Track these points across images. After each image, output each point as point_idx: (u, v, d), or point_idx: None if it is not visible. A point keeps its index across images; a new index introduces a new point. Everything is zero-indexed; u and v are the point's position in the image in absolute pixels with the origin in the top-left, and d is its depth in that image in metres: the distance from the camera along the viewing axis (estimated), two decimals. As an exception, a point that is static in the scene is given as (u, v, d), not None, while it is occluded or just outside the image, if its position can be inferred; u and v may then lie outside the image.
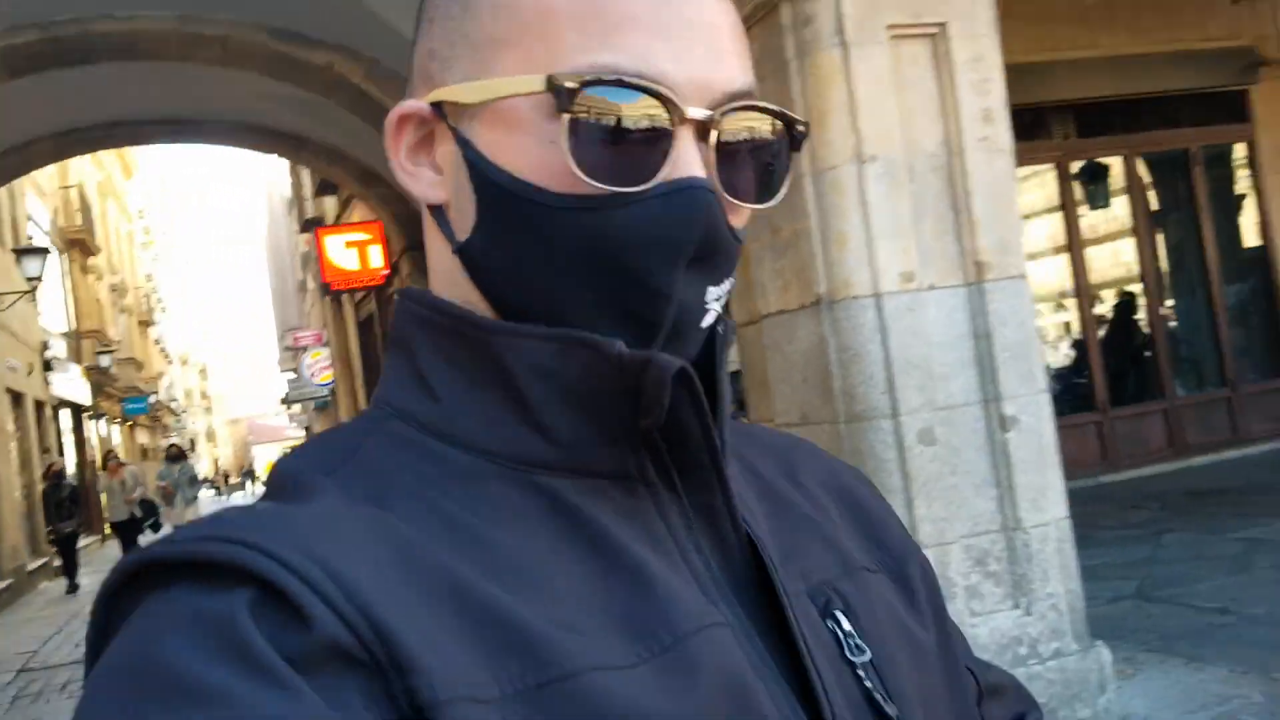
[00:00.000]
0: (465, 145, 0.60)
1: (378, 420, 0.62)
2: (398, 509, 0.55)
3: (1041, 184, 10.03)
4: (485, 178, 0.59)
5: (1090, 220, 10.18)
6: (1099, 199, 10.16)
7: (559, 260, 0.57)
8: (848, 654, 0.61)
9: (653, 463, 0.59)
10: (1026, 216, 8.88)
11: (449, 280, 0.63)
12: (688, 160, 0.57)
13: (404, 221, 11.84)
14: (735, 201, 0.59)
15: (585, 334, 0.57)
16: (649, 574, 0.56)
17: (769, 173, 0.61)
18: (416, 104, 0.62)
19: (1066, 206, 9.95)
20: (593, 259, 0.57)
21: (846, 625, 0.62)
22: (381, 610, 0.48)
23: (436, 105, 0.61)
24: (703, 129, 0.57)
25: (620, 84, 0.55)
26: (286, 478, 0.58)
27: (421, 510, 0.55)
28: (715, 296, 0.60)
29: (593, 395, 0.57)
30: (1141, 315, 10.28)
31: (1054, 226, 9.98)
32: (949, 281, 3.95)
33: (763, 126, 0.60)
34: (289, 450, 0.63)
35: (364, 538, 0.52)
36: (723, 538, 0.60)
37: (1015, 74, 4.22)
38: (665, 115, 0.56)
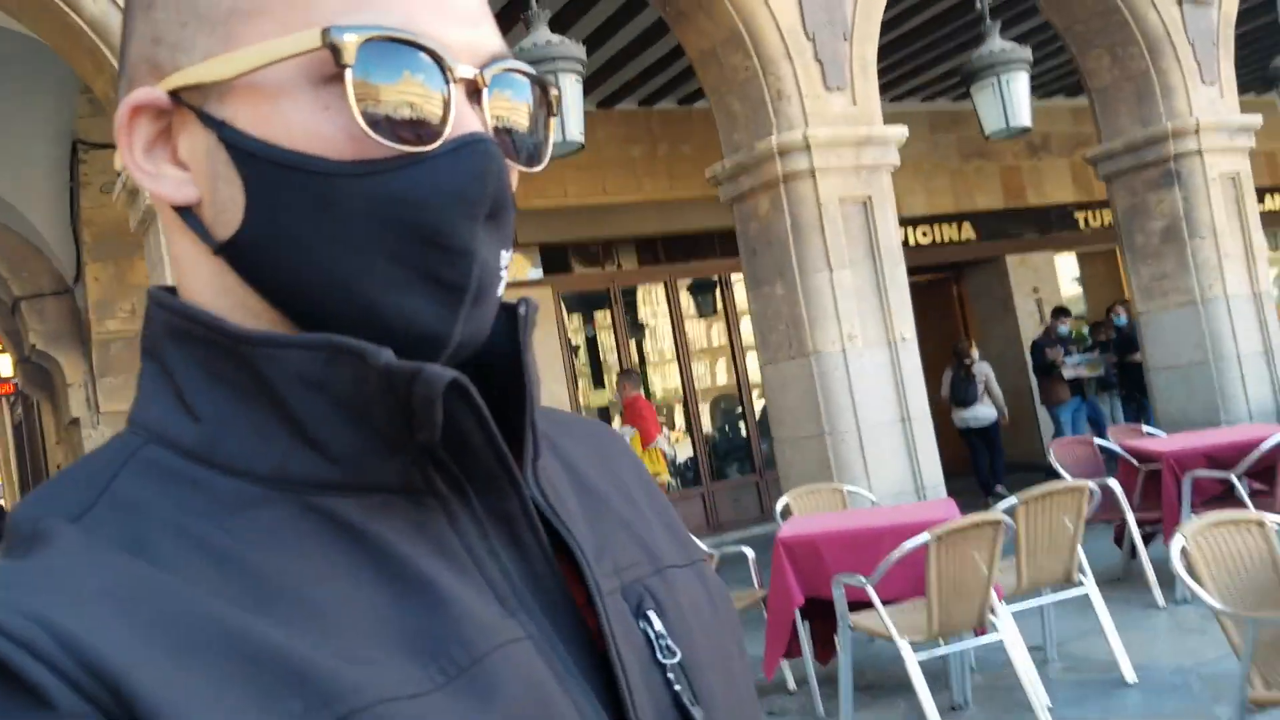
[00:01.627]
0: (221, 127, 0.54)
1: (131, 447, 0.55)
2: (159, 549, 0.50)
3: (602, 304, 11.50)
4: (253, 158, 0.53)
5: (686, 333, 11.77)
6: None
7: (352, 233, 0.53)
8: (659, 656, 0.59)
9: (439, 473, 0.55)
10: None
11: (209, 289, 0.57)
12: (467, 117, 0.54)
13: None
14: (509, 162, 0.58)
15: (350, 341, 0.52)
16: (441, 592, 0.53)
17: (534, 136, 0.60)
18: (150, 92, 0.55)
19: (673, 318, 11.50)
20: (389, 225, 0.53)
21: (659, 625, 0.60)
22: (120, 671, 0.44)
23: (174, 93, 0.55)
24: (473, 88, 0.55)
25: (396, 40, 0.52)
26: (22, 526, 0.52)
27: (185, 548, 0.50)
28: (505, 262, 0.58)
29: (365, 406, 0.53)
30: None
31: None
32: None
33: (524, 89, 0.59)
34: (32, 493, 0.57)
35: (101, 591, 0.47)
36: (522, 544, 0.57)
37: (578, 213, 5.25)
38: (440, 73, 0.53)
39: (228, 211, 0.55)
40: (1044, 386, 11.35)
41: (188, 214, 0.57)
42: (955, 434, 11.21)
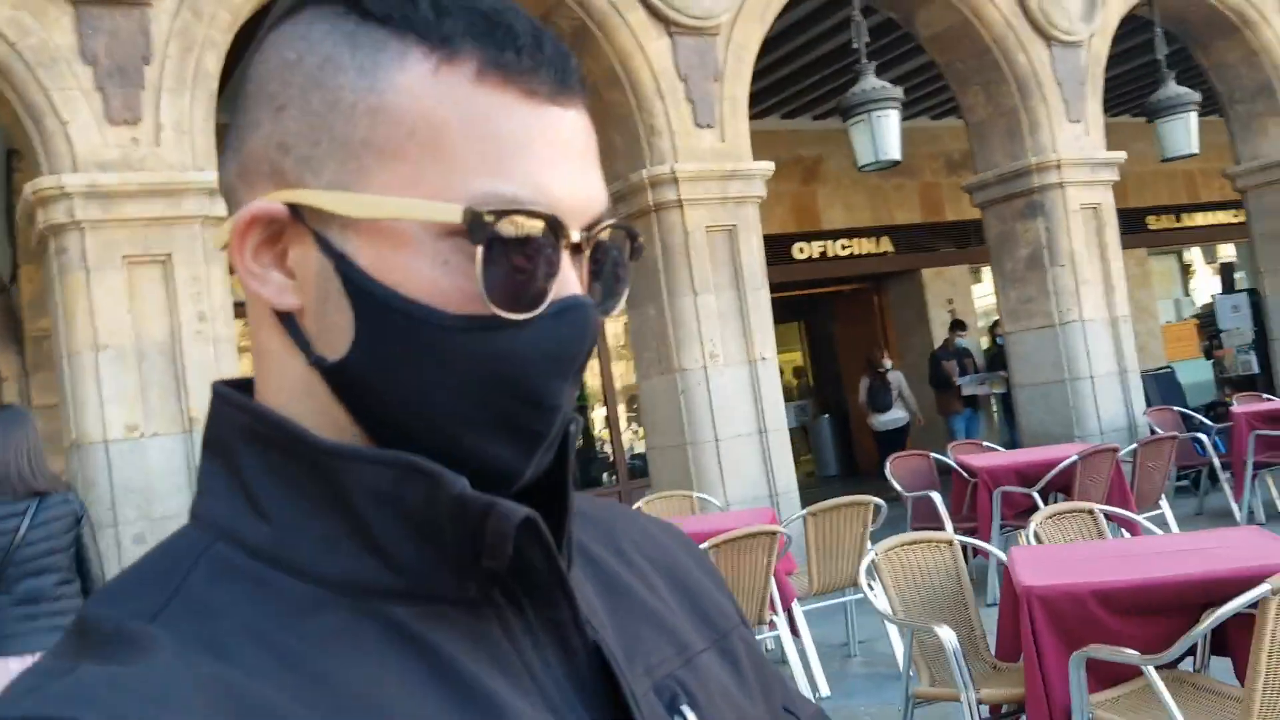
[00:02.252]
0: (341, 259, 0.55)
1: (201, 544, 0.56)
2: (234, 654, 0.51)
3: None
4: (371, 296, 0.55)
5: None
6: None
7: (452, 382, 0.55)
8: None
9: (496, 586, 0.57)
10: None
11: (294, 392, 0.58)
12: (571, 280, 0.56)
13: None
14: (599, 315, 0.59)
15: (426, 463, 0.54)
16: (499, 703, 0.54)
17: (619, 284, 0.61)
18: (270, 205, 0.57)
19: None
20: (490, 379, 0.55)
21: (692, 717, 0.62)
22: None
23: (293, 206, 0.56)
24: (576, 249, 0.57)
25: (525, 213, 0.54)
26: (105, 626, 0.52)
27: (260, 653, 0.51)
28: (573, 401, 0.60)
29: (433, 525, 0.54)
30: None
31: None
32: (170, 430, 5.69)
33: (617, 242, 0.61)
34: (103, 588, 0.57)
35: (196, 700, 0.48)
36: (570, 650, 0.58)
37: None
38: (554, 240, 0.55)
39: (333, 334, 0.56)
40: (939, 397, 11.96)
41: (289, 320, 0.58)
42: (871, 435, 11.87)
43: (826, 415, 15.64)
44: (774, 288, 7.49)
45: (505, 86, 0.55)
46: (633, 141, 7.11)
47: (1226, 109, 10.55)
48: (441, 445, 0.55)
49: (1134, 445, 6.89)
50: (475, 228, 0.53)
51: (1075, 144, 8.69)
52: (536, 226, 0.55)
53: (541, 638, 0.58)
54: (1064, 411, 8.56)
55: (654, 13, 6.99)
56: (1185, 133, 9.53)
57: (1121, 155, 8.93)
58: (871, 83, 7.90)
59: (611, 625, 0.63)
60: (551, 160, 0.56)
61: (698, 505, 6.52)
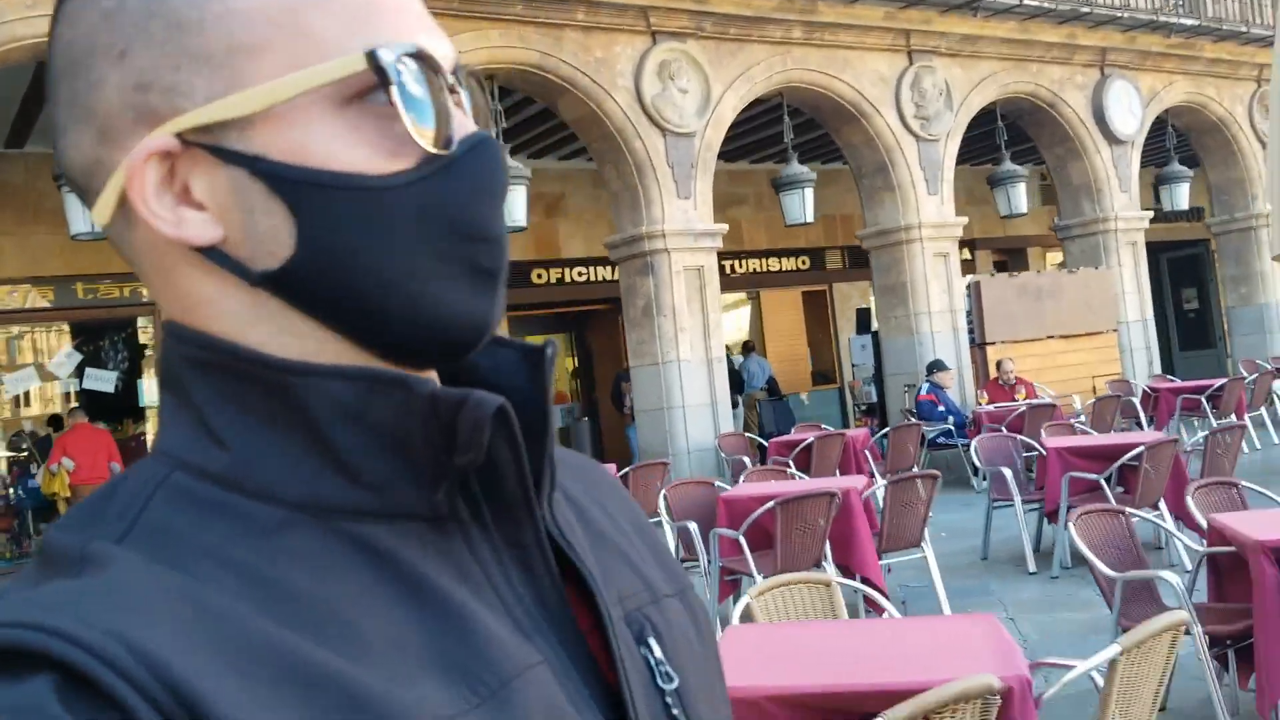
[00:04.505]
0: (254, 162, 0.54)
1: (159, 475, 0.55)
2: (197, 572, 0.50)
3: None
4: (300, 184, 0.54)
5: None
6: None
7: (402, 240, 0.54)
8: (659, 681, 0.62)
9: (464, 501, 0.57)
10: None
11: (239, 322, 0.56)
12: (466, 120, 0.58)
13: None
14: None
15: (395, 371, 0.55)
16: (467, 616, 0.54)
17: (483, 126, 0.62)
18: (157, 141, 0.54)
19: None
20: (436, 227, 0.55)
21: (658, 652, 0.63)
22: (193, 688, 0.45)
23: (180, 136, 0.54)
24: (452, 90, 0.58)
25: (419, 56, 0.55)
26: (66, 548, 0.51)
27: (224, 571, 0.51)
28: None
29: (404, 436, 0.54)
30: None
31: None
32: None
33: (473, 89, 0.61)
34: (58, 518, 0.55)
35: (167, 608, 0.48)
36: (534, 572, 0.59)
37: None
38: (441, 81, 0.56)
39: (270, 241, 0.55)
40: (620, 412, 13.95)
41: (214, 252, 0.55)
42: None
43: (586, 418, 17.51)
44: (511, 307, 9.24)
45: None
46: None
47: (857, 181, 12.61)
48: (415, 314, 0.55)
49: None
50: (382, 70, 0.54)
51: (682, 217, 10.59)
52: (424, 66, 0.55)
53: (506, 556, 0.58)
54: (663, 433, 10.49)
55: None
56: (802, 205, 11.58)
57: (723, 228, 10.87)
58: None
59: (591, 556, 0.63)
60: (402, 14, 0.57)
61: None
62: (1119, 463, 6.51)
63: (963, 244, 18.53)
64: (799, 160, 11.75)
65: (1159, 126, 14.99)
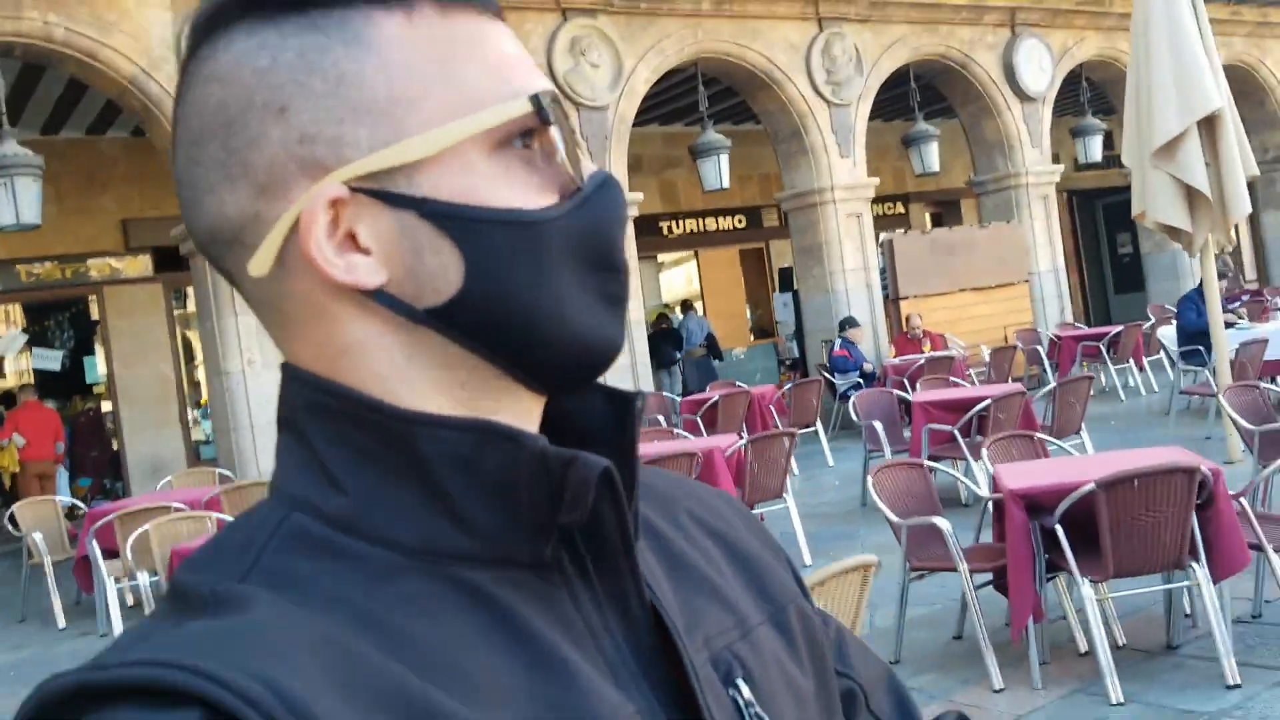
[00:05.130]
0: (422, 204, 0.57)
1: (277, 516, 0.57)
2: (318, 616, 0.52)
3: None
4: (467, 221, 0.57)
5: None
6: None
7: (556, 270, 0.58)
8: None
9: (566, 551, 0.59)
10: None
11: (396, 368, 0.58)
12: (584, 157, 0.62)
13: None
14: None
15: (506, 425, 0.57)
16: (569, 666, 0.56)
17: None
18: (327, 190, 0.57)
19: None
20: (580, 258, 0.59)
21: (747, 693, 0.63)
22: None
23: (349, 185, 0.57)
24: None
25: (555, 102, 0.59)
26: (198, 589, 0.53)
27: (343, 612, 0.53)
28: None
29: (513, 489, 0.56)
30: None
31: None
32: None
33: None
34: (186, 559, 0.57)
35: (304, 649, 0.49)
36: (632, 620, 0.60)
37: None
38: (569, 125, 0.61)
39: (438, 278, 0.57)
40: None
41: (380, 294, 0.58)
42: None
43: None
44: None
45: (464, 11, 0.59)
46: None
47: (774, 146, 13.10)
48: (558, 332, 0.58)
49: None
50: (542, 111, 0.58)
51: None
52: (555, 112, 0.59)
53: (606, 604, 0.60)
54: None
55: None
56: (718, 171, 12.07)
57: (639, 196, 11.35)
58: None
59: (672, 597, 0.64)
60: (525, 63, 0.61)
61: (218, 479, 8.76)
62: (971, 413, 7.11)
63: (897, 198, 19.17)
64: (735, 122, 12.19)
65: (1074, 81, 15.53)
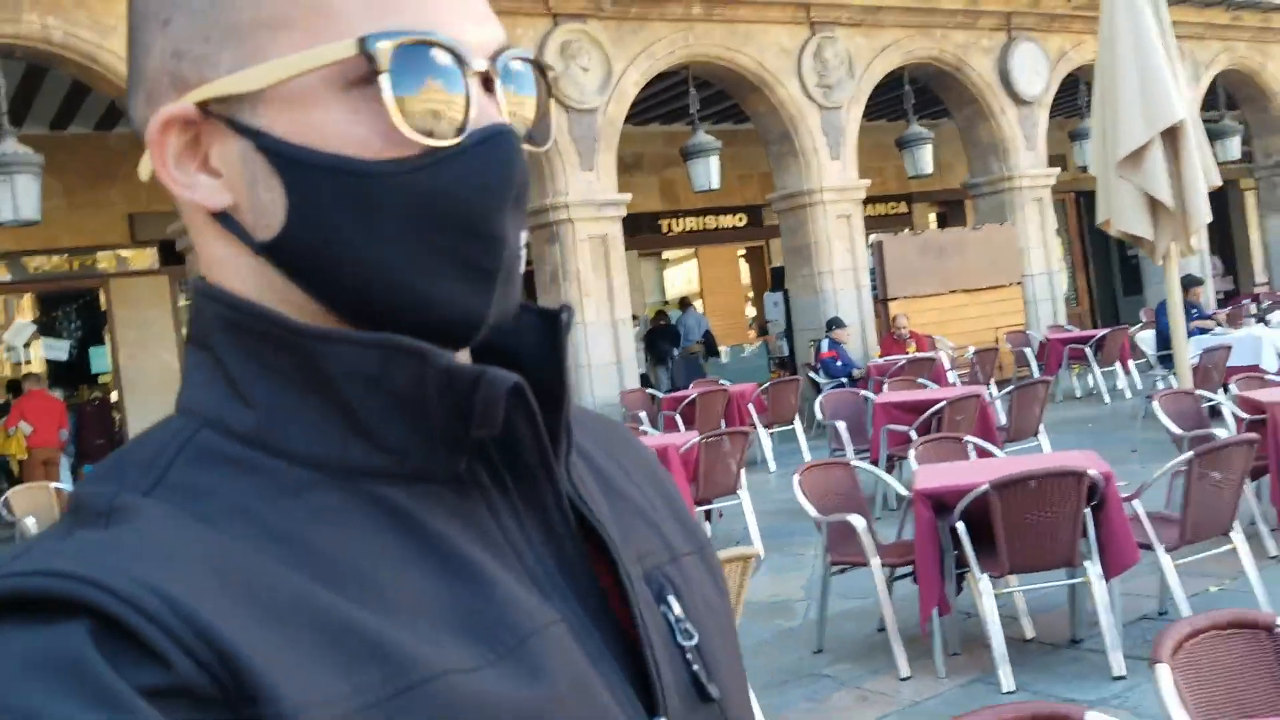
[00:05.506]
0: (257, 135, 0.56)
1: (186, 431, 0.57)
2: (224, 526, 0.52)
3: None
4: (293, 163, 0.55)
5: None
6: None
7: (391, 228, 0.55)
8: (678, 638, 0.63)
9: (482, 465, 0.59)
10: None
11: (249, 287, 0.58)
12: (487, 109, 0.57)
13: None
14: (525, 145, 0.60)
15: (412, 341, 0.55)
16: (486, 576, 0.56)
17: (542, 118, 0.62)
18: (179, 106, 0.57)
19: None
20: (427, 218, 0.55)
21: (678, 610, 0.64)
22: (224, 637, 0.47)
23: (203, 105, 0.57)
24: (488, 81, 0.58)
25: (423, 43, 0.55)
26: (96, 501, 0.53)
27: (249, 526, 0.52)
28: (524, 242, 0.61)
29: (420, 403, 0.55)
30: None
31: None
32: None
33: (528, 76, 0.61)
34: (88, 472, 0.57)
35: (196, 559, 0.49)
36: (555, 533, 0.60)
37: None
38: (459, 70, 0.56)
39: (268, 214, 0.56)
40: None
41: (225, 218, 0.58)
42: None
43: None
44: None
45: None
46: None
47: (765, 146, 13.29)
48: (400, 302, 0.56)
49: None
50: (372, 58, 0.54)
51: (585, 188, 11.31)
52: (436, 53, 0.55)
53: (525, 518, 0.60)
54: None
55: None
56: (708, 172, 12.29)
57: (627, 196, 11.58)
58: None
59: (610, 515, 0.64)
60: (436, 2, 0.57)
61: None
62: (926, 415, 7.30)
63: (901, 198, 19.29)
64: (736, 121, 12.35)
65: (1073, 85, 15.64)
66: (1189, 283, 11.05)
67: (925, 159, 13.91)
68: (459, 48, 0.56)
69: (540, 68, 0.63)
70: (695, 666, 0.63)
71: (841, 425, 8.02)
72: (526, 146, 0.60)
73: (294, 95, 0.56)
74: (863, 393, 8.95)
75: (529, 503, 0.60)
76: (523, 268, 0.60)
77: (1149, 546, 4.37)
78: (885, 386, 9.07)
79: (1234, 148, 17.02)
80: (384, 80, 0.55)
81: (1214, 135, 16.66)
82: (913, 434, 7.34)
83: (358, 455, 0.56)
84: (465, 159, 0.56)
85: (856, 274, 13.17)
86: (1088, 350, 12.36)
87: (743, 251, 19.51)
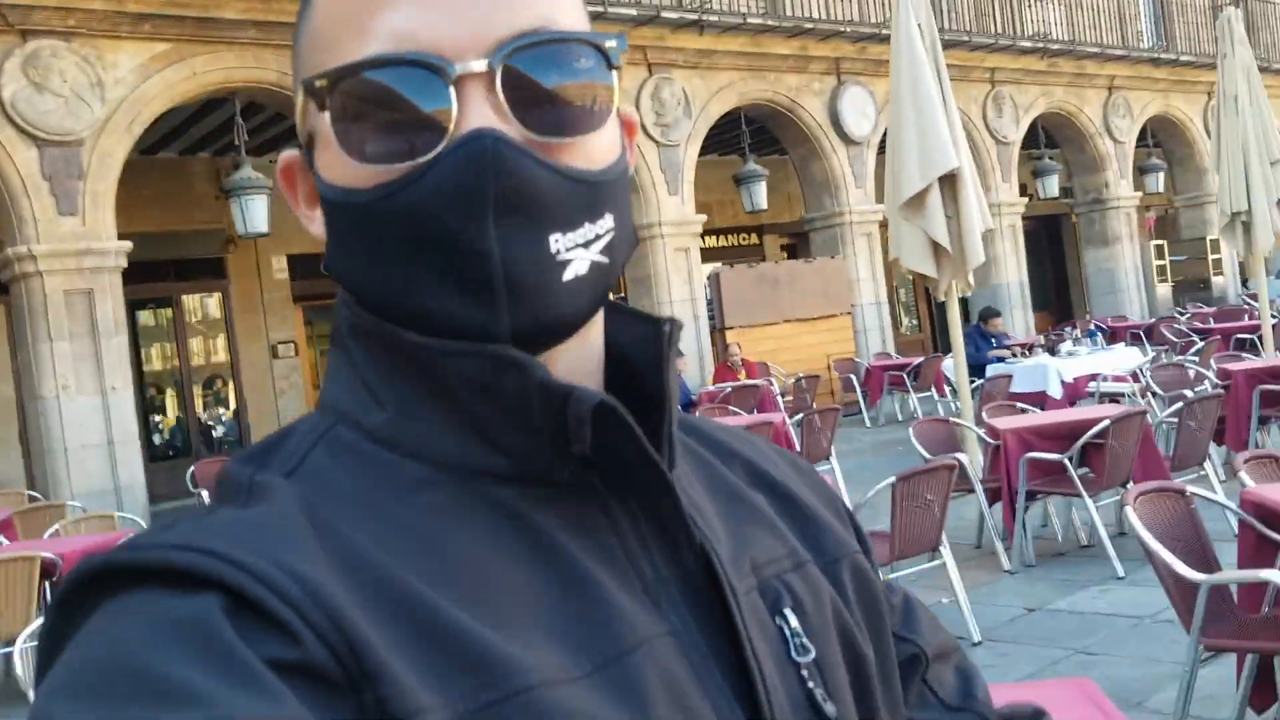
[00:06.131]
0: (314, 175, 0.61)
1: (325, 425, 0.61)
2: (348, 516, 0.55)
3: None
4: (323, 198, 0.60)
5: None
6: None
7: (389, 251, 0.57)
8: (793, 653, 0.61)
9: (599, 474, 0.59)
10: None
11: (349, 303, 0.63)
12: (473, 115, 0.56)
13: None
14: (547, 139, 0.57)
15: (513, 352, 0.56)
16: (597, 586, 0.56)
17: (584, 100, 0.59)
18: (286, 154, 0.64)
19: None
20: (412, 239, 0.56)
21: (794, 623, 0.62)
22: (350, 620, 0.49)
23: (300, 148, 0.63)
24: (489, 78, 0.56)
25: (374, 65, 0.55)
26: (240, 480, 0.57)
27: (373, 517, 0.55)
28: (568, 245, 0.57)
29: (529, 411, 0.57)
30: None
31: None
32: None
33: (554, 58, 0.58)
34: (241, 451, 0.62)
35: (324, 544, 0.52)
36: (674, 542, 0.60)
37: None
38: (437, 80, 0.55)
39: (325, 242, 0.62)
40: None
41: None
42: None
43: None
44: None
45: None
46: (4, 226, 9.48)
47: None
48: (415, 315, 0.58)
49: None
50: (312, 95, 0.57)
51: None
52: (399, 73, 0.55)
53: (645, 530, 0.60)
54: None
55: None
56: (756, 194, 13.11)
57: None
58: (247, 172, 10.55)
59: (721, 526, 0.64)
60: (421, 3, 0.56)
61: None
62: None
63: (752, 229, 20.05)
64: None
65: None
66: (988, 314, 11.92)
67: (760, 196, 14.61)
68: (428, 57, 0.55)
69: (591, 44, 0.59)
70: (811, 684, 0.62)
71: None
72: (554, 139, 0.58)
73: (322, 135, 0.60)
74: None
75: (647, 512, 0.61)
76: (576, 270, 0.58)
77: (863, 561, 4.86)
78: (698, 413, 9.57)
79: (1053, 185, 18.30)
80: (325, 116, 0.57)
81: (1036, 173, 18.16)
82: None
83: (478, 457, 0.59)
84: (435, 173, 0.56)
85: (694, 304, 13.74)
86: (906, 377, 13.14)
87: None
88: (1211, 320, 15.93)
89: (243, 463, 0.60)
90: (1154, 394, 8.73)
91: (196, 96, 10.65)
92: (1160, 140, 20.52)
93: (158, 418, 15.15)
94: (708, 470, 0.69)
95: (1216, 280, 20.52)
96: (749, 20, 13.60)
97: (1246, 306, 16.30)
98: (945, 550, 5.03)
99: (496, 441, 0.58)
